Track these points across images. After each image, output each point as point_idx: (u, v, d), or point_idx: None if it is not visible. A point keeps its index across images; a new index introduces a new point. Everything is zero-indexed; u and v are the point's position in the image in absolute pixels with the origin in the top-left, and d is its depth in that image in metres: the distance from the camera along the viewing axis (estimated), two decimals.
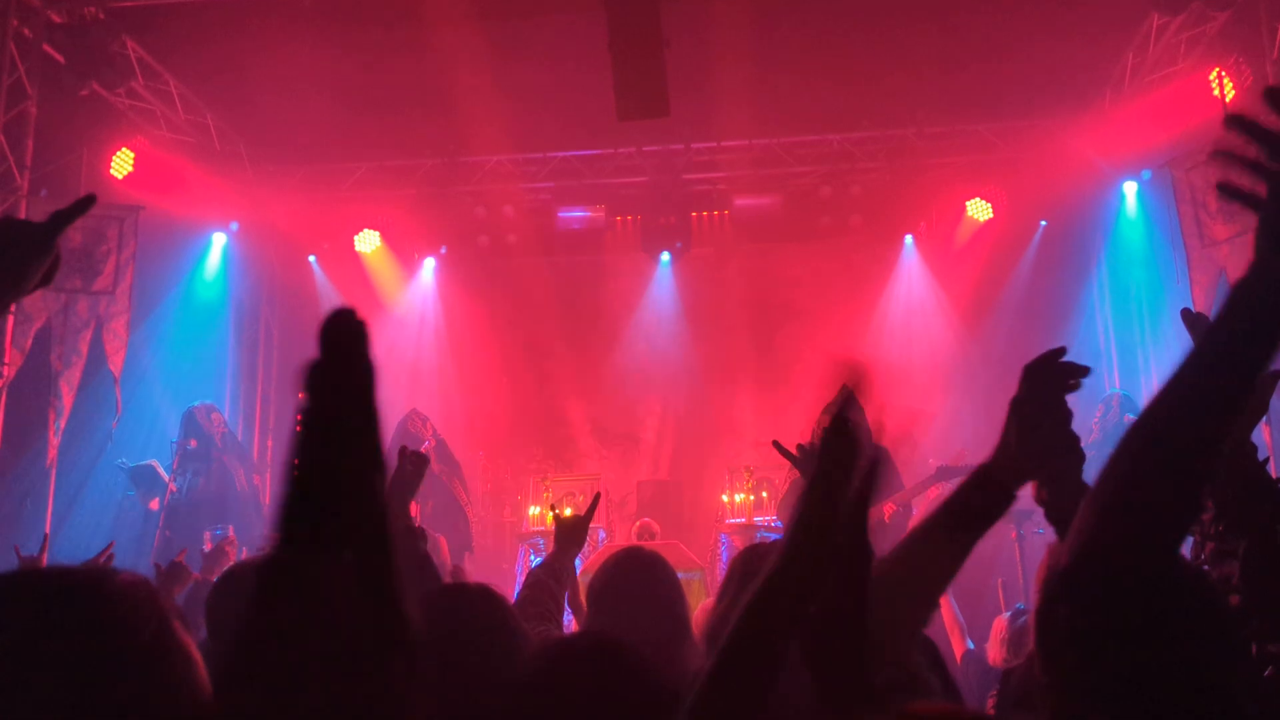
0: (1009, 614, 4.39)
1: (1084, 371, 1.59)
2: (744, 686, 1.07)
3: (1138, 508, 1.07)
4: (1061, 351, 1.62)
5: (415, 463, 3.07)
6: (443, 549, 6.97)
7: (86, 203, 1.62)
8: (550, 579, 3.15)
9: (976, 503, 1.60)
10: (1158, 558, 1.06)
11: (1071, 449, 1.63)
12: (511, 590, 8.04)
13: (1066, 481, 1.72)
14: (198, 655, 1.18)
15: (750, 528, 8.09)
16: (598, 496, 3.80)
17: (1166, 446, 1.08)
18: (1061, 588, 1.11)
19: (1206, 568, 1.67)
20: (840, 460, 1.13)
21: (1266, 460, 1.69)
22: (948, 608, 4.91)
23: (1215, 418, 1.08)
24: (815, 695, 1.13)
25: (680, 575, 2.90)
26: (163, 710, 1.09)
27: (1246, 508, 1.60)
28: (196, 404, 9.13)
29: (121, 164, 8.79)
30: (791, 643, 1.10)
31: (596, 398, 11.59)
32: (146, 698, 1.09)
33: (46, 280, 1.58)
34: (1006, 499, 1.60)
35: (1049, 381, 1.59)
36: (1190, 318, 1.82)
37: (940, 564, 1.61)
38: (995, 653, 4.58)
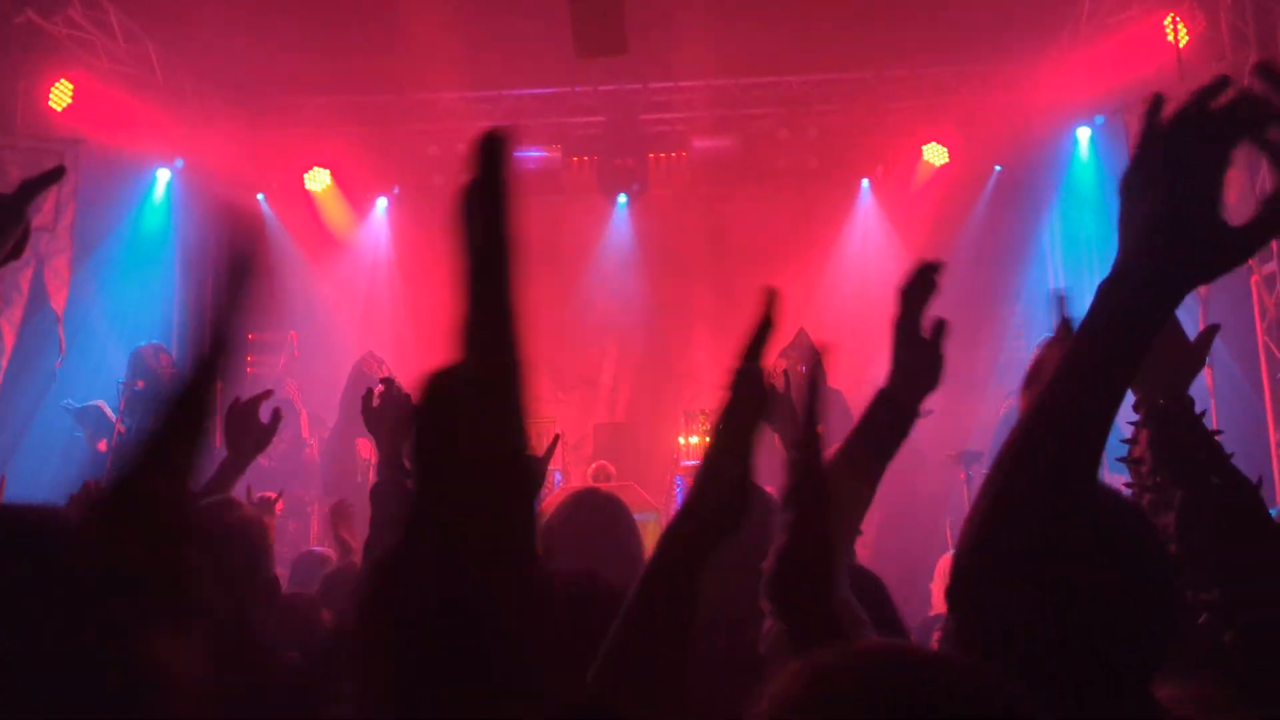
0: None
1: (936, 269, 1.66)
2: (661, 619, 1.08)
3: (1016, 523, 1.07)
4: (930, 266, 1.68)
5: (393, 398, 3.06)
6: None
7: (56, 174, 1.59)
8: None
9: (883, 425, 1.67)
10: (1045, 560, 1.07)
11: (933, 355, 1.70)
12: None
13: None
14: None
15: None
16: (556, 439, 3.78)
17: (1042, 458, 1.07)
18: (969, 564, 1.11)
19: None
20: (750, 394, 1.14)
21: (1204, 412, 1.72)
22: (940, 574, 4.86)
23: (1089, 425, 1.07)
24: (785, 634, 1.14)
25: (636, 516, 2.91)
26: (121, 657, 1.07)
27: (1183, 460, 1.63)
28: (144, 344, 8.97)
29: (60, 96, 8.50)
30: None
31: (552, 340, 11.55)
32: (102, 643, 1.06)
33: (16, 252, 1.54)
34: (910, 416, 1.67)
35: (922, 297, 1.67)
36: (1060, 302, 1.83)
37: (857, 493, 1.67)
38: (940, 591, 4.62)
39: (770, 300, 1.19)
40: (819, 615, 1.12)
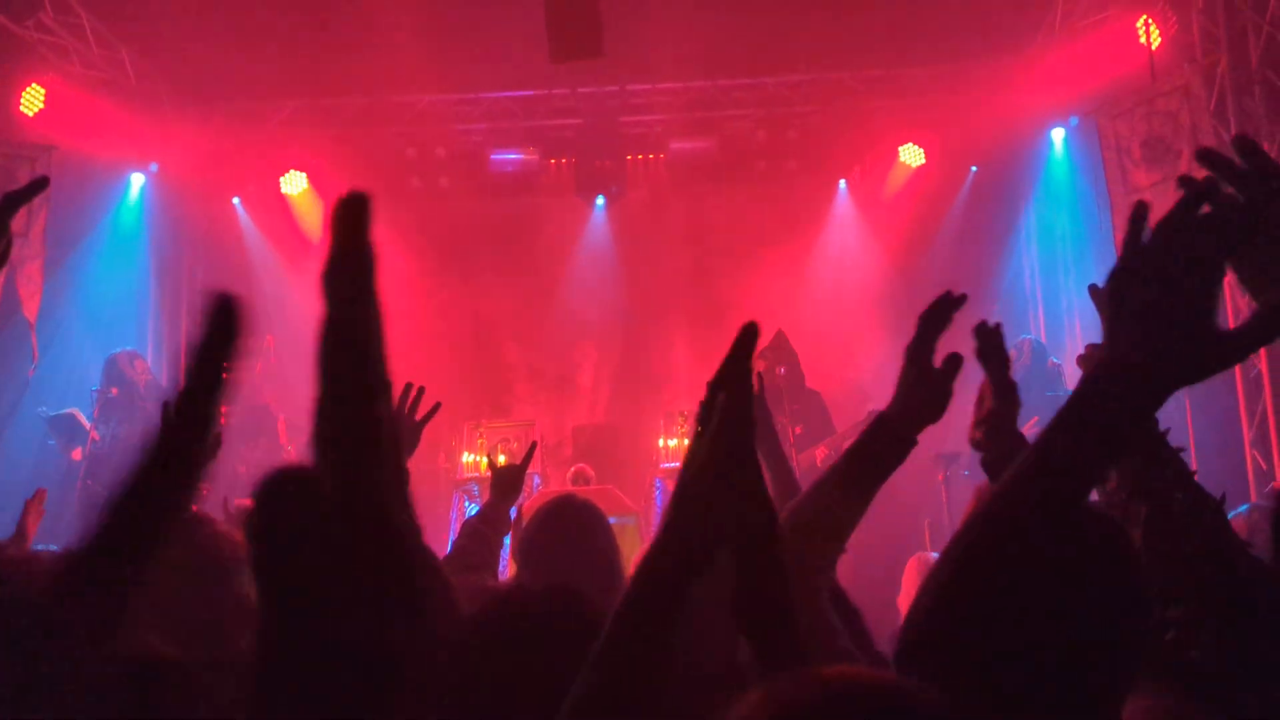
0: (930, 555, 4.39)
1: (960, 301, 1.67)
2: (644, 638, 1.05)
3: (978, 591, 1.07)
4: (954, 298, 1.69)
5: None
6: None
7: (40, 185, 1.57)
8: (486, 528, 3.14)
9: (878, 450, 1.69)
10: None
11: (943, 394, 1.72)
12: (447, 537, 8.04)
13: (1002, 429, 1.78)
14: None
15: None
16: (534, 446, 3.73)
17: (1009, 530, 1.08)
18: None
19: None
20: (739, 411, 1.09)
21: (1168, 430, 1.73)
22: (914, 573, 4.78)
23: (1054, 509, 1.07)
24: (754, 654, 1.12)
25: (615, 520, 2.91)
26: (58, 689, 1.06)
27: (1148, 475, 1.65)
28: (119, 351, 8.90)
29: (32, 101, 8.42)
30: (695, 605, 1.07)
31: (532, 342, 11.53)
32: (39, 677, 1.06)
33: (0, 262, 1.53)
34: (907, 445, 1.68)
35: (939, 327, 1.67)
36: (1098, 295, 1.84)
37: (845, 510, 1.68)
38: (907, 593, 4.57)
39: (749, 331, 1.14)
40: (784, 638, 1.10)
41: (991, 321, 1.84)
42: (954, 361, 1.71)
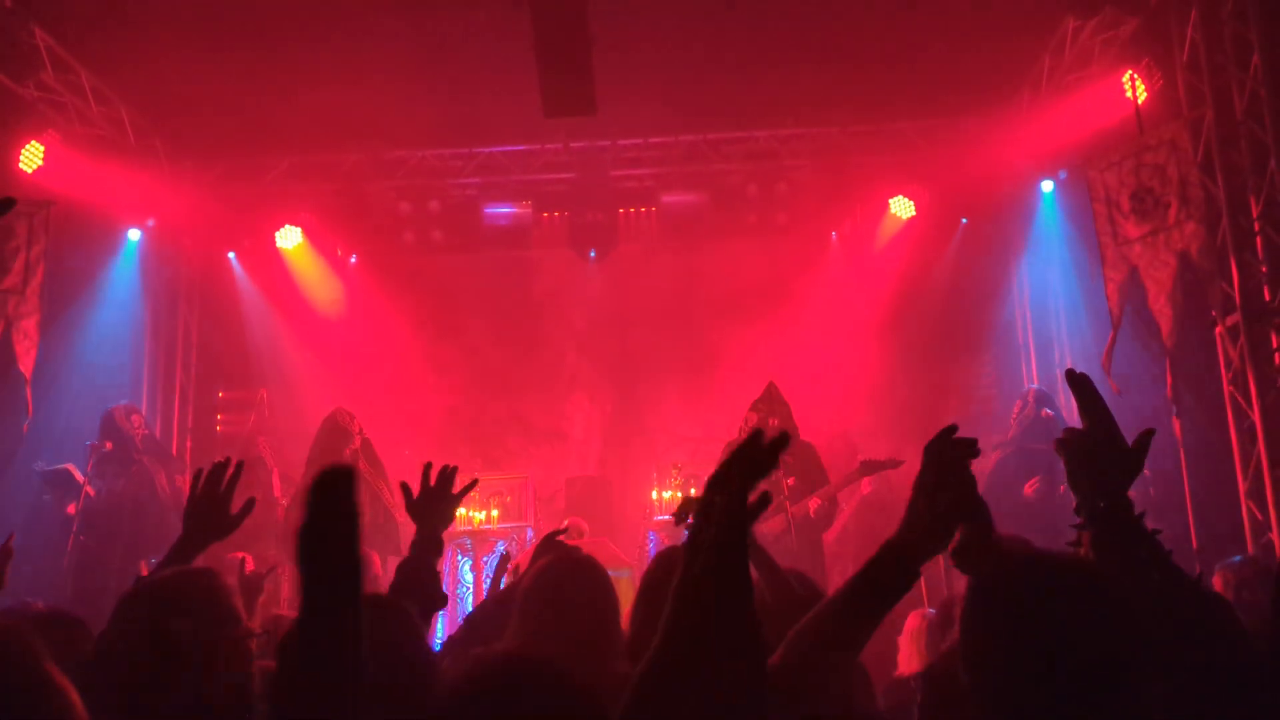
0: (928, 614, 4.35)
1: (974, 447, 1.73)
2: (674, 700, 1.06)
3: None
4: (953, 429, 1.75)
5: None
6: (375, 564, 6.86)
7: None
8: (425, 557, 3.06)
9: (884, 579, 1.73)
10: None
11: (976, 516, 1.75)
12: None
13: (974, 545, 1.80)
14: (75, 697, 1.16)
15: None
16: (471, 483, 3.43)
17: None
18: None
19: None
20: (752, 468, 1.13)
21: (1144, 513, 1.77)
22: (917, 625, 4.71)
23: None
24: None
25: (609, 573, 2.90)
26: None
27: (1124, 559, 1.68)
28: (115, 405, 8.88)
29: (31, 158, 8.50)
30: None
31: (524, 395, 11.53)
32: None
33: None
34: (911, 576, 1.72)
35: (947, 457, 1.71)
36: (1074, 379, 1.87)
37: (850, 637, 1.74)
38: (907, 651, 4.52)
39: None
40: None
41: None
42: (964, 487, 1.77)
